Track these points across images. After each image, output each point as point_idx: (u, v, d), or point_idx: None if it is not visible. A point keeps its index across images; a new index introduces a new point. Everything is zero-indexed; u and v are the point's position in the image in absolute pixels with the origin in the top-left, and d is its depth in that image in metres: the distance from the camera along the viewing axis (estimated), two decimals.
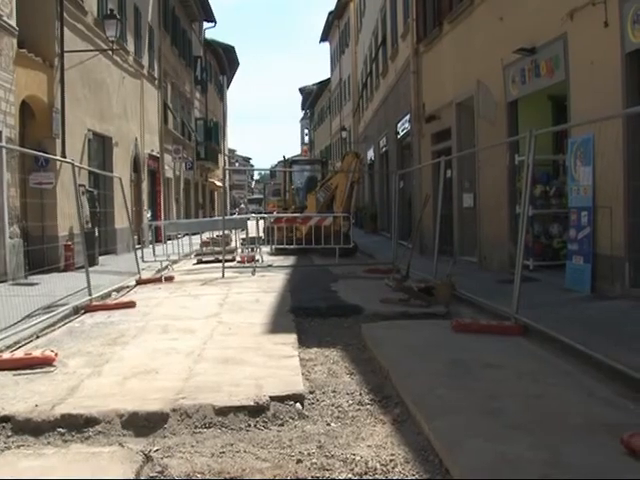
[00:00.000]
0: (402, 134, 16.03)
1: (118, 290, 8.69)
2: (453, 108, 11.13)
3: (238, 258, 12.60)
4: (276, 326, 5.79)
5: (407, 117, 14.98)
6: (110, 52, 13.96)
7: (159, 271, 10.92)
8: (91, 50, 13.12)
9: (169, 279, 9.88)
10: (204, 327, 5.82)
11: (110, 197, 14.10)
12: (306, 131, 60.90)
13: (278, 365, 4.28)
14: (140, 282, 9.54)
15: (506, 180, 8.77)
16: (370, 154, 23.41)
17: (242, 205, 43.55)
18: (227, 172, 32.04)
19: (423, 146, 13.18)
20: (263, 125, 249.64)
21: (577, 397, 3.35)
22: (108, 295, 8.14)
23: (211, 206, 34.66)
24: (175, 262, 12.28)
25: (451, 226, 11.26)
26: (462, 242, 10.96)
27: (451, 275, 7.23)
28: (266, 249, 12.83)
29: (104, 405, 3.38)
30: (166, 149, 21.12)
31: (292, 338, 5.20)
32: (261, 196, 50.52)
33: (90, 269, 7.65)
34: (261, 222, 13.45)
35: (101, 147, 14.68)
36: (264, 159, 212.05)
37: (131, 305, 7.23)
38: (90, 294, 7.27)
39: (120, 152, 15.56)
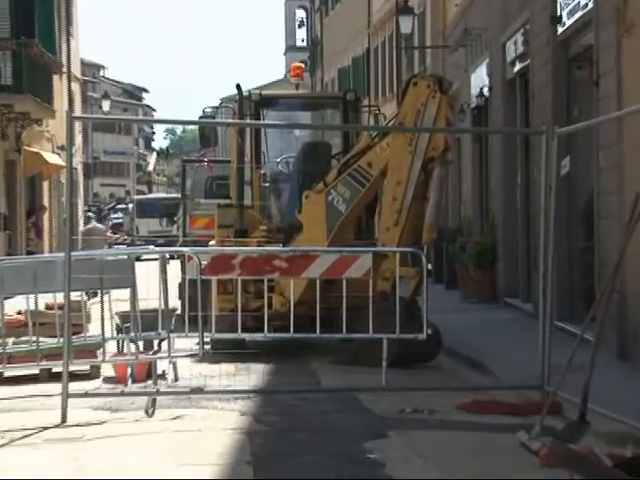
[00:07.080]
0: (568, 25, 16.33)
1: None
2: None
3: (109, 370, 12.85)
4: None
5: None
6: None
7: None
8: None
9: None
10: None
11: None
12: (300, 17, 61.05)
13: None
14: None
15: None
16: (480, 81, 24.39)
17: (122, 219, 44.67)
18: (81, 126, 31.97)
19: (628, 58, 13.30)
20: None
21: None
22: None
23: (30, 220, 35.22)
24: None
25: None
26: None
27: None
28: (187, 343, 12.87)
29: None
30: None
31: None
32: (175, 195, 50.85)
33: None
34: (174, 266, 13.27)
35: None
36: (186, 94, 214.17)
37: None
38: None
39: None
